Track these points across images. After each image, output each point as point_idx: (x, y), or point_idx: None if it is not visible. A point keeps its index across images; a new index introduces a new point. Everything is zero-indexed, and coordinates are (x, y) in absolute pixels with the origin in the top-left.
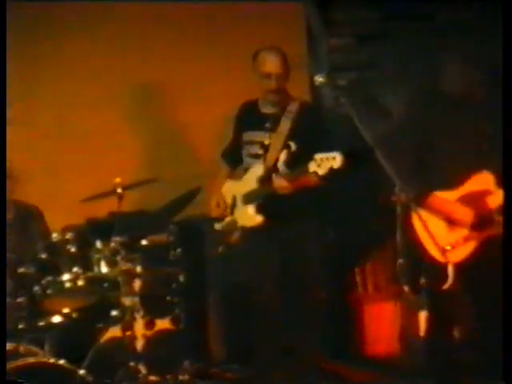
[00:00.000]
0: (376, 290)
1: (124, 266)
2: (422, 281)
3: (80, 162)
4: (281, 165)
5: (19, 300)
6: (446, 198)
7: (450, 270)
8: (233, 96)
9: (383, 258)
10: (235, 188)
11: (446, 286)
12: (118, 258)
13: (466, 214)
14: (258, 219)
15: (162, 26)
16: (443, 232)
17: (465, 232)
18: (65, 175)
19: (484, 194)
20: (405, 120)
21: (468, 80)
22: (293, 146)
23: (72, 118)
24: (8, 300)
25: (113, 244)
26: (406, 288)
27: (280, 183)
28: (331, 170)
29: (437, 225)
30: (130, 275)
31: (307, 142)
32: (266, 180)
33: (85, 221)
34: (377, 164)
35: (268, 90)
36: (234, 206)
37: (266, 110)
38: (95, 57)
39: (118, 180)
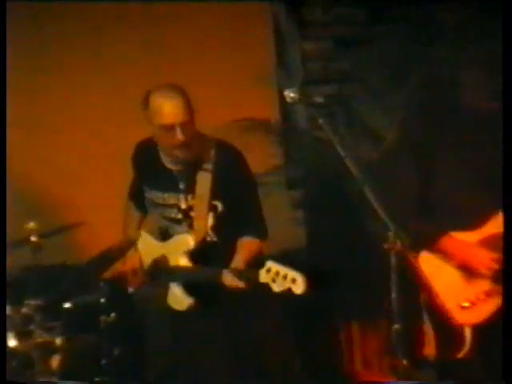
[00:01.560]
0: (366, 364)
1: (40, 337)
2: (429, 350)
3: None
4: (210, 233)
5: None
6: (463, 239)
7: (468, 333)
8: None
9: (374, 324)
10: (156, 250)
11: (460, 355)
12: (32, 326)
13: (487, 262)
14: (188, 302)
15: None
16: (459, 284)
17: (486, 285)
18: None
19: None
20: (403, 144)
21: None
22: (219, 206)
23: None
24: None
25: (25, 309)
26: (404, 362)
27: (233, 282)
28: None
29: (451, 274)
30: (48, 349)
31: (236, 198)
32: (199, 258)
33: None
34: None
35: (173, 144)
36: (155, 273)
37: (173, 165)
38: None
39: (31, 225)
